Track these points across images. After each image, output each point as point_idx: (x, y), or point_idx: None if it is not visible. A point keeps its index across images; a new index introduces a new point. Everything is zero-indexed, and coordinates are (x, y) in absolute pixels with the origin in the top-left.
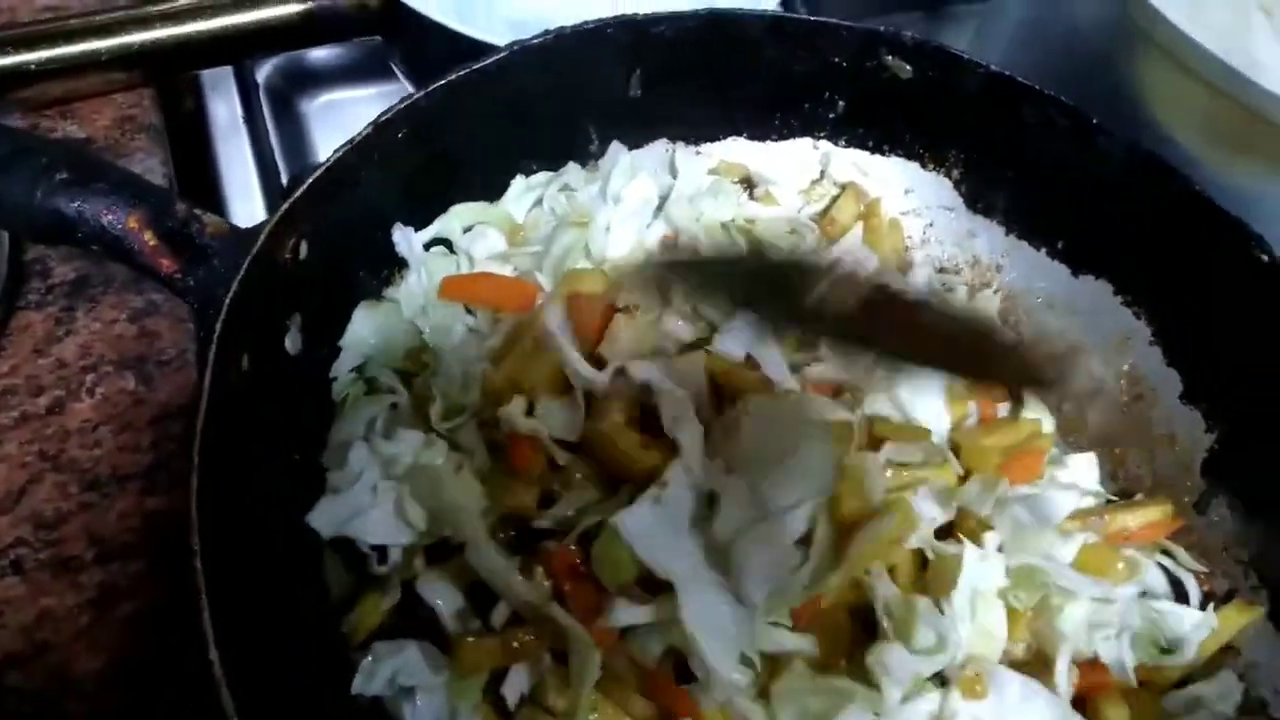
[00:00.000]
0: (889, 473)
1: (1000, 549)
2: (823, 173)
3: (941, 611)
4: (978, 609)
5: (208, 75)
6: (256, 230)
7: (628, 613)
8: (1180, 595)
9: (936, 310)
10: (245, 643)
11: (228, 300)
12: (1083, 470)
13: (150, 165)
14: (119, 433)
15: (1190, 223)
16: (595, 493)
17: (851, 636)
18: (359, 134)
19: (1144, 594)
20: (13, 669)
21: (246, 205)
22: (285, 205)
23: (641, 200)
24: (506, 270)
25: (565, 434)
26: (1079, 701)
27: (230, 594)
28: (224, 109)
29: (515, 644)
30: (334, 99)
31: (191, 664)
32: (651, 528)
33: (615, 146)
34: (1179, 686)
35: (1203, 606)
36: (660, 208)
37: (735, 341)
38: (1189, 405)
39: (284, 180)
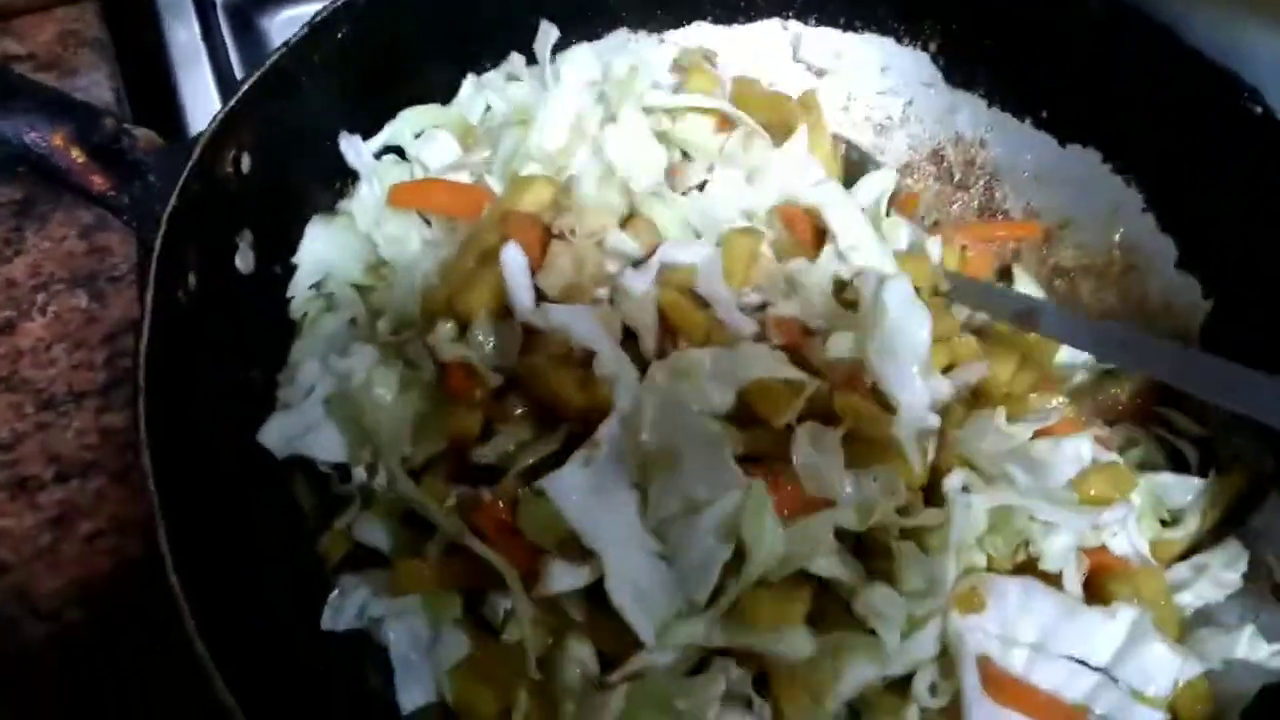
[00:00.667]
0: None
1: (966, 488)
2: (794, 54)
3: (926, 552)
4: (961, 557)
5: None
6: (192, 143)
7: (561, 576)
8: (1180, 464)
9: None
10: (207, 563)
11: (165, 216)
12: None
13: (96, 79)
14: (72, 351)
15: (1179, 79)
16: (530, 430)
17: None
18: (294, 37)
19: (1142, 465)
20: None
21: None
22: (220, 115)
23: (584, 82)
24: (460, 174)
25: (500, 362)
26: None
27: (190, 516)
28: (182, 30)
29: (448, 570)
30: (297, 14)
31: (154, 581)
32: (581, 490)
33: (545, 26)
34: (1183, 558)
35: (1203, 473)
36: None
37: (684, 252)
38: (1185, 272)
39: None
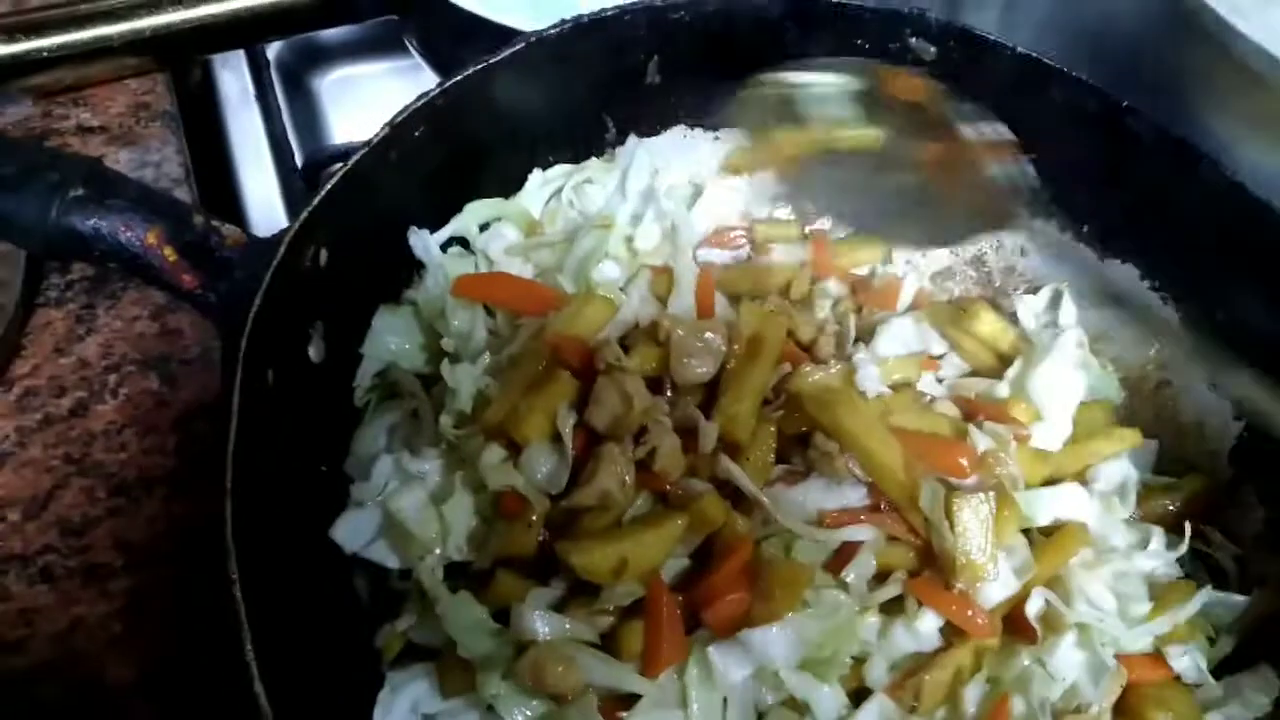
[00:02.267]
0: None
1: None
2: None
3: None
4: None
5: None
6: (276, 240)
7: None
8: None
9: None
10: (286, 667)
11: (252, 316)
12: (1144, 455)
13: (165, 154)
14: (144, 435)
15: (1221, 208)
16: None
17: None
18: (376, 135)
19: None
20: (45, 679)
21: (260, 186)
22: (305, 214)
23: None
24: (525, 268)
25: (549, 488)
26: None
27: (269, 621)
28: (235, 87)
29: None
30: (347, 75)
31: (225, 673)
32: None
33: (632, 142)
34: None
35: (1243, 591)
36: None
37: None
38: (1217, 392)
39: (298, 160)
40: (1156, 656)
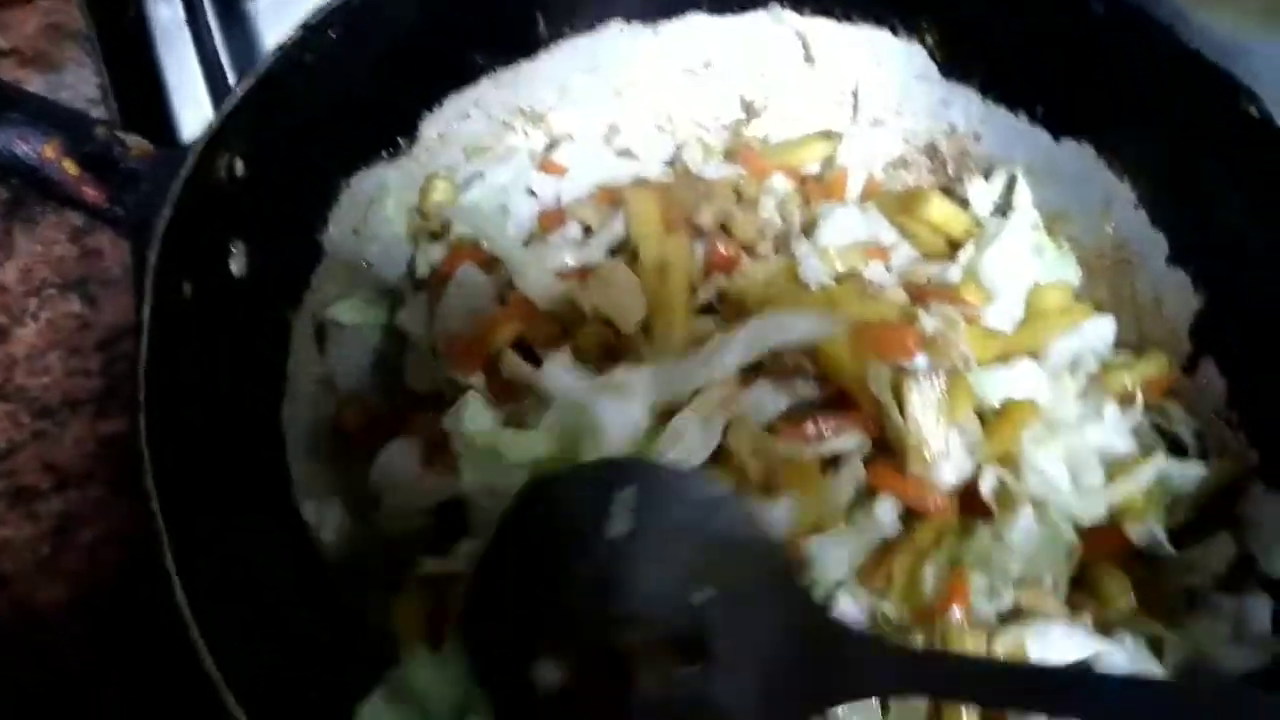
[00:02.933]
0: None
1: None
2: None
3: None
4: None
5: None
6: (184, 151)
7: None
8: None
9: None
10: (215, 581)
11: (161, 228)
12: (1101, 331)
13: (82, 76)
14: (67, 357)
15: (1176, 78)
16: None
17: None
18: (288, 39)
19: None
20: None
21: (196, 116)
22: (215, 121)
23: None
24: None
25: None
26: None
27: (194, 533)
28: (164, 11)
29: None
30: None
31: (158, 590)
32: None
33: None
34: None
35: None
36: None
37: None
38: (1175, 267)
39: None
40: (1114, 529)
